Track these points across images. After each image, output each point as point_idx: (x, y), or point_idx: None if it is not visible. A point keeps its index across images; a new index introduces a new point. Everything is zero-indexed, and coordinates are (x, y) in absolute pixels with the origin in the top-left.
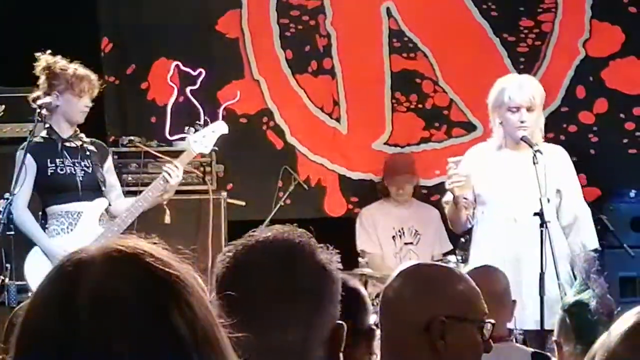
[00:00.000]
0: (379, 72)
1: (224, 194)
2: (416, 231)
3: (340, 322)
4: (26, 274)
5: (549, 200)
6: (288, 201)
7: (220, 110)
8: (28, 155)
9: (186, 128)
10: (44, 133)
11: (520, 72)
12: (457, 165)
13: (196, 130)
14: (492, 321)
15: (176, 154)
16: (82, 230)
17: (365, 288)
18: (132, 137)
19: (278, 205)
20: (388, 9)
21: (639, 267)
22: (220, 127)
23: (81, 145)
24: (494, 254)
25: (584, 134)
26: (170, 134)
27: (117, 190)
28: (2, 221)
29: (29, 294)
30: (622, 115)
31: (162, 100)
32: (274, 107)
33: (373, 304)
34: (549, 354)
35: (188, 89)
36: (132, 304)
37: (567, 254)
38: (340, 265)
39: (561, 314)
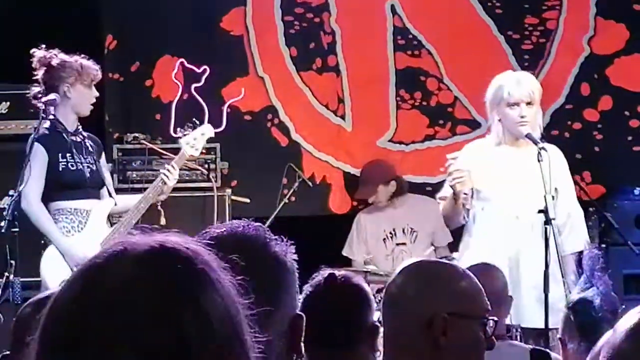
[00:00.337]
0: (384, 69)
1: (229, 191)
2: (412, 229)
3: (299, 312)
4: (42, 271)
5: (553, 198)
6: (293, 198)
7: (225, 108)
8: (39, 145)
9: (182, 128)
10: (47, 124)
11: (524, 69)
12: (456, 161)
13: (187, 132)
14: (495, 318)
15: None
16: (91, 229)
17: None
18: (136, 134)
19: (282, 203)
20: (392, 6)
21: None
22: (208, 130)
23: (83, 140)
24: (494, 251)
25: (589, 131)
26: (175, 131)
27: (110, 187)
28: (7, 218)
29: (43, 290)
30: (626, 113)
31: (166, 98)
32: (279, 104)
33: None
34: (548, 350)
35: (193, 87)
36: (145, 312)
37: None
38: (296, 257)
39: (565, 312)
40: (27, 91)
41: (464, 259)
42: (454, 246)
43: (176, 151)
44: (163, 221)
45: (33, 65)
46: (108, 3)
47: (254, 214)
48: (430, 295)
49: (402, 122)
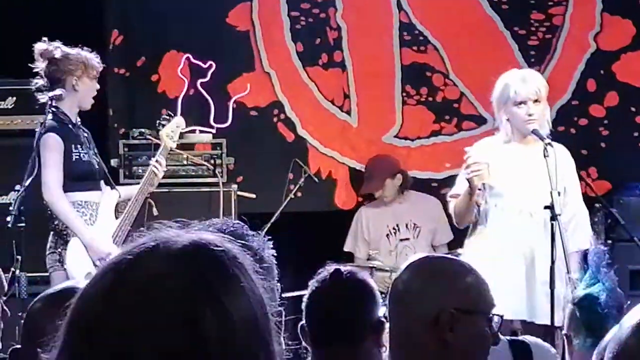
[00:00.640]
0: (390, 65)
1: (234, 186)
2: (415, 224)
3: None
4: (67, 264)
5: (559, 194)
6: (299, 194)
7: (231, 103)
8: (54, 135)
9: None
10: (50, 116)
11: (530, 65)
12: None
13: (164, 123)
14: (501, 314)
15: (187, 146)
16: (102, 222)
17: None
18: (142, 130)
19: (288, 198)
20: (399, 2)
21: None
22: (182, 122)
23: (84, 132)
24: (508, 248)
25: (595, 127)
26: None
27: (110, 179)
28: (14, 212)
29: (75, 281)
30: (632, 109)
31: (172, 93)
32: (285, 99)
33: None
34: (526, 340)
35: (198, 82)
36: (167, 312)
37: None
38: (274, 252)
39: (571, 308)
40: (33, 87)
41: (472, 254)
42: (455, 244)
43: (183, 146)
44: (155, 212)
45: (35, 58)
46: None
47: (260, 209)
48: (436, 291)
49: (407, 118)
